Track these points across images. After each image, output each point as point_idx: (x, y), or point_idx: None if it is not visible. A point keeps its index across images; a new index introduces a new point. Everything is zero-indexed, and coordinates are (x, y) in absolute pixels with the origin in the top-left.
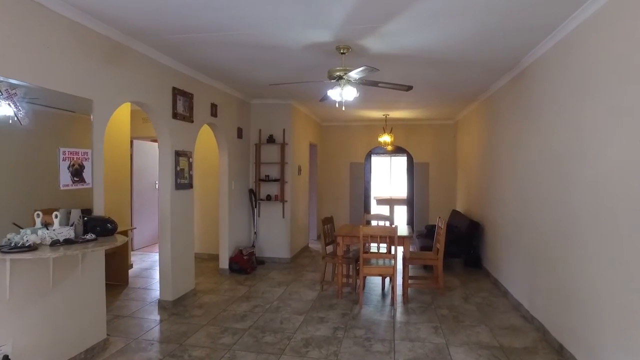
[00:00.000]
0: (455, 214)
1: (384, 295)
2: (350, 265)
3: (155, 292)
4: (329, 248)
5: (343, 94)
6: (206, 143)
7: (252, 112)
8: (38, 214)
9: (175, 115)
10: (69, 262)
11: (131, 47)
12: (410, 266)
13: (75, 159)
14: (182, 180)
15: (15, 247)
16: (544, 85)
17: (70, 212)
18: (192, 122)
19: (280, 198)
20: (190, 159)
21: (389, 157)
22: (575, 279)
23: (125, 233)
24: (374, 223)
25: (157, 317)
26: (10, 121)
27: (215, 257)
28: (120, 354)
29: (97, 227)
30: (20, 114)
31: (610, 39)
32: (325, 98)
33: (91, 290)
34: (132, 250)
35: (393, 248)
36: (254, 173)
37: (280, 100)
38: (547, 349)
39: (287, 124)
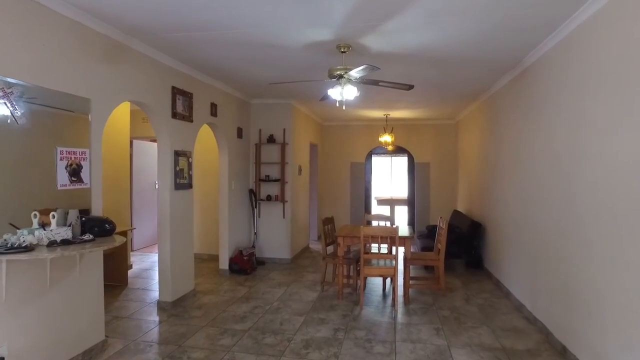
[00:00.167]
0: (456, 214)
1: (384, 296)
2: (351, 266)
3: (155, 292)
4: (330, 248)
5: (344, 93)
6: (206, 143)
7: (252, 111)
8: (35, 214)
9: (174, 115)
10: (67, 263)
11: (130, 46)
12: (411, 267)
13: (72, 159)
14: (182, 180)
15: (12, 247)
16: (545, 85)
17: (67, 213)
18: (192, 121)
19: (281, 198)
20: (190, 159)
21: (390, 157)
22: (577, 279)
23: (124, 233)
24: (374, 223)
25: (156, 318)
26: (9, 120)
27: (215, 258)
28: (119, 356)
29: (95, 227)
30: (17, 113)
31: (610, 39)
32: (325, 97)
33: (89, 291)
34: (132, 250)
35: (394, 249)
36: (254, 173)
37: (280, 100)
38: (550, 350)
39: (288, 123)
